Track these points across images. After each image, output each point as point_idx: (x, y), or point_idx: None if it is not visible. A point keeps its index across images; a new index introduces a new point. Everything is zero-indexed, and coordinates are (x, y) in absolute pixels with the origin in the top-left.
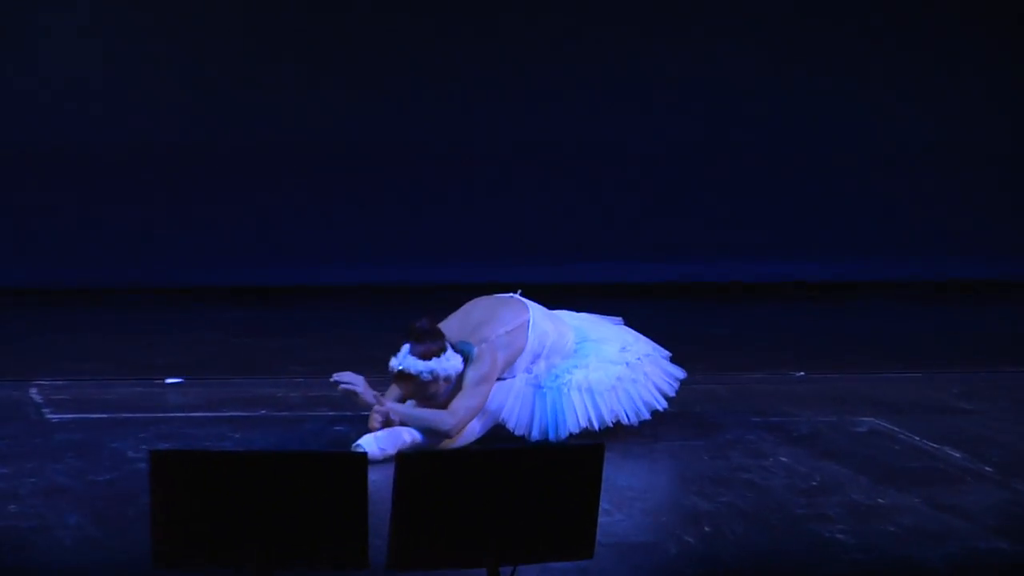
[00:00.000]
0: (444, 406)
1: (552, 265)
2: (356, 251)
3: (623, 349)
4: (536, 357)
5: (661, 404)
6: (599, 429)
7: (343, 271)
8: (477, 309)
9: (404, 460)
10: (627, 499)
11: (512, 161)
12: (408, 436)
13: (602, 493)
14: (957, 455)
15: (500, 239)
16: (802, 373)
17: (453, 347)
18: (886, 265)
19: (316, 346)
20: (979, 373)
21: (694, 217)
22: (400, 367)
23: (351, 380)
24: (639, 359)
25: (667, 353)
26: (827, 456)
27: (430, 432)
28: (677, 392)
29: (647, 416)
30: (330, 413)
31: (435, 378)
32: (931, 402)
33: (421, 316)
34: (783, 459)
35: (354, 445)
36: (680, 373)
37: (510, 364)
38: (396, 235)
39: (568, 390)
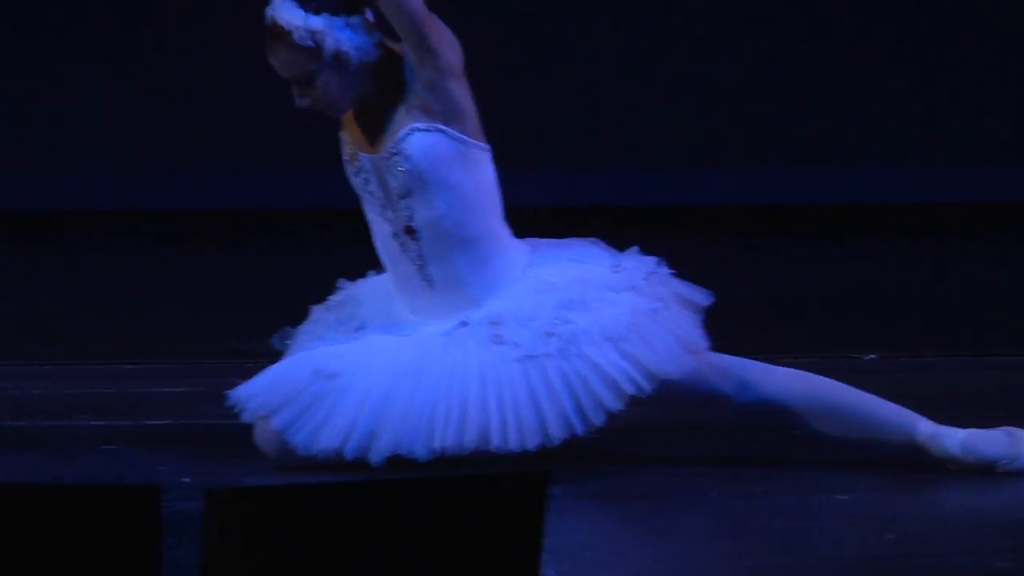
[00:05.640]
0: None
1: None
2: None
3: (615, 267)
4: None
5: (700, 340)
6: (649, 394)
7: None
8: None
9: (215, 502)
10: (585, 564)
11: None
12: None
13: (545, 554)
14: None
15: None
16: (873, 356)
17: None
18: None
19: (70, 308)
20: None
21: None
22: (270, 14)
23: None
24: (645, 279)
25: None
26: (918, 493)
27: None
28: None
29: (690, 363)
30: (97, 422)
31: (319, 47)
32: None
33: None
34: (841, 497)
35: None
36: (701, 296)
37: (458, 74)
38: None
39: (579, 348)
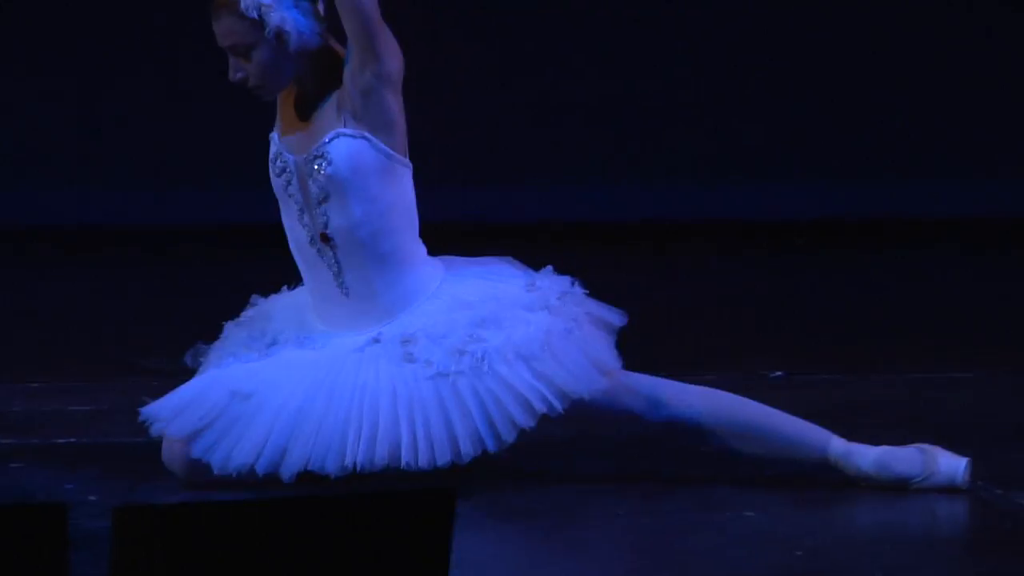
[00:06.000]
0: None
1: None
2: None
3: (530, 285)
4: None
5: (613, 360)
6: (560, 413)
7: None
8: None
9: (122, 520)
10: None
11: None
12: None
13: (453, 571)
14: None
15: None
16: (780, 373)
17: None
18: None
19: None
20: None
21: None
22: None
23: None
24: (559, 299)
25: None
26: (827, 510)
27: None
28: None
29: (602, 384)
30: (4, 440)
31: (262, 21)
32: (1007, 419)
33: None
34: (750, 514)
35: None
36: (615, 317)
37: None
38: None
39: (490, 366)
